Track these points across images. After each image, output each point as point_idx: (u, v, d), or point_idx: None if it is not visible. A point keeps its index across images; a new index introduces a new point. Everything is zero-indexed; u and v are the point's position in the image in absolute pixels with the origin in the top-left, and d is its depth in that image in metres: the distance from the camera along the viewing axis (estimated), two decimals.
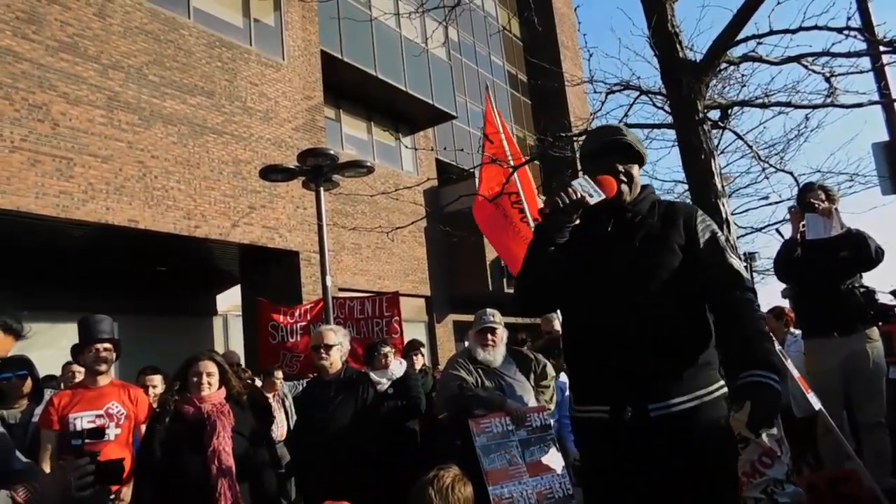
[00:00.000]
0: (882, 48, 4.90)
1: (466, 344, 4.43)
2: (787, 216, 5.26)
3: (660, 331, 2.14)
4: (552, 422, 4.09)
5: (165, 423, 3.38)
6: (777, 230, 7.80)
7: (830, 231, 4.05)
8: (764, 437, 3.28)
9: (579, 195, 2.20)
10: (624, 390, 2.15)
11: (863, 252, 4.04)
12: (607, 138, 2.39)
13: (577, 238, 2.33)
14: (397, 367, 5.08)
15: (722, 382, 2.22)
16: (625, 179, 2.32)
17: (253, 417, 3.67)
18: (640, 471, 2.15)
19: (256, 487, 3.48)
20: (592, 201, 2.21)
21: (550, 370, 4.37)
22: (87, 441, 1.98)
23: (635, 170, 2.36)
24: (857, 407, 4.16)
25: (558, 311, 5.19)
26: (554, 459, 3.79)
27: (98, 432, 2.00)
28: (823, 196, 4.22)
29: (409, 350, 6.18)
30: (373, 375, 4.82)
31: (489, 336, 4.11)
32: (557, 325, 4.95)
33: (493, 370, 4.08)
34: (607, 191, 2.25)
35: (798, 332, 5.97)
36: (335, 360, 3.97)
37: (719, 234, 2.30)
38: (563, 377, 4.82)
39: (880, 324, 4.42)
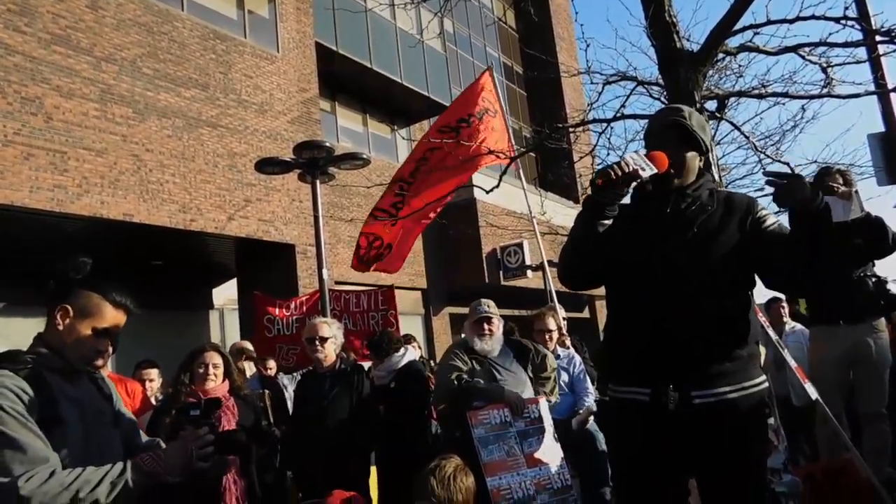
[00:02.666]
0: (878, 38, 4.89)
1: (463, 335, 4.42)
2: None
3: (712, 320, 2.15)
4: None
5: (171, 415, 3.37)
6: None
7: (850, 214, 3.99)
8: None
9: (631, 168, 2.16)
10: (668, 375, 2.15)
11: (880, 238, 3.99)
12: (666, 119, 2.37)
13: (633, 219, 2.31)
14: (398, 357, 5.05)
15: (763, 377, 2.23)
16: (676, 161, 2.28)
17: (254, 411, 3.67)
18: (673, 455, 2.17)
19: (258, 480, 3.49)
20: (645, 175, 2.18)
21: (551, 361, 4.33)
22: (205, 411, 2.04)
23: (690, 155, 2.32)
24: (859, 397, 4.16)
25: (558, 308, 5.22)
26: (552, 450, 3.80)
27: (216, 402, 2.04)
28: (841, 180, 4.17)
29: None
30: (374, 371, 4.80)
31: (485, 326, 4.11)
32: (552, 324, 4.93)
33: (487, 360, 4.07)
34: (658, 166, 2.22)
35: (795, 323, 5.99)
36: (329, 352, 3.97)
37: (782, 222, 2.28)
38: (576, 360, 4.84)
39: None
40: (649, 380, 2.19)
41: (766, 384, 2.25)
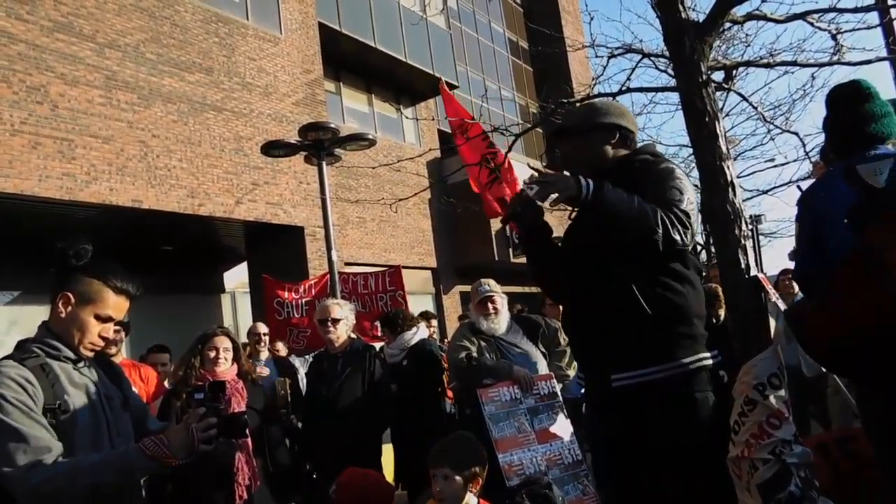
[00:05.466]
0: (891, 1, 4.79)
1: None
2: (795, 176, 5.18)
3: (616, 303, 2.13)
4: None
5: (183, 399, 3.41)
6: (798, 186, 7.69)
7: None
8: (772, 398, 3.29)
9: (525, 195, 2.26)
10: (592, 361, 2.27)
11: None
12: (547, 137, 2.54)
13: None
14: (410, 335, 5.07)
15: (702, 356, 2.16)
16: (567, 164, 2.37)
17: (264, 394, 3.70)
18: (618, 437, 2.22)
19: (271, 462, 3.54)
20: (532, 193, 2.26)
21: (565, 334, 4.32)
22: (210, 394, 2.03)
23: (581, 146, 2.37)
24: None
25: None
26: (562, 426, 3.82)
27: (220, 385, 2.06)
28: None
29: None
30: (386, 349, 4.84)
31: (490, 305, 4.12)
32: None
33: (494, 339, 4.08)
34: None
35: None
36: (341, 333, 4.00)
37: (675, 177, 2.16)
38: None
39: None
40: (584, 367, 2.36)
41: (704, 363, 2.16)
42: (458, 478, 2.46)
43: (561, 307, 2.57)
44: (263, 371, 4.87)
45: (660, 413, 2.10)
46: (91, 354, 1.94)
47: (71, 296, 1.87)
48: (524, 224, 2.39)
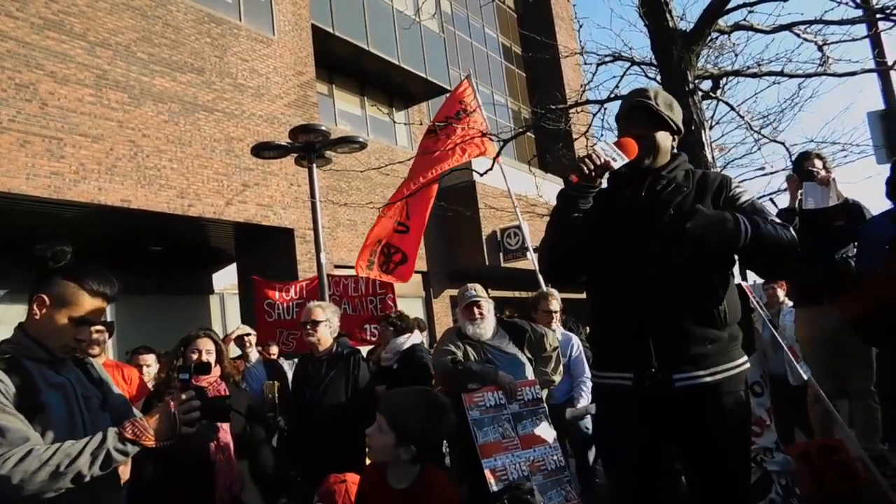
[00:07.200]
0: (877, 15, 4.84)
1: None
2: (784, 185, 5.21)
3: (693, 301, 2.13)
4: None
5: (164, 401, 3.39)
6: (771, 199, 7.75)
7: (829, 201, 3.99)
8: (754, 406, 3.31)
9: (603, 160, 2.17)
10: (650, 360, 2.14)
11: (860, 223, 3.99)
12: (631, 101, 2.36)
13: (607, 205, 2.30)
14: (403, 339, 5.11)
15: (745, 358, 2.24)
16: (644, 143, 2.26)
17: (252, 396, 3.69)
18: (658, 438, 2.18)
19: (255, 464, 3.52)
20: (616, 165, 2.19)
21: (551, 339, 4.31)
22: (194, 376, 1.99)
23: (660, 135, 2.30)
24: (846, 375, 4.18)
25: (553, 291, 5.22)
26: (546, 432, 3.83)
27: (205, 367, 2.00)
28: (820, 164, 4.15)
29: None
30: (382, 353, 4.87)
31: (475, 310, 4.12)
32: (555, 306, 4.91)
33: (480, 344, 4.08)
34: (628, 153, 2.21)
35: (792, 302, 5.99)
36: (323, 335, 3.98)
37: (760, 204, 2.28)
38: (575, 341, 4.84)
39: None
40: (631, 364, 2.18)
41: (747, 365, 2.24)
42: (391, 434, 2.19)
43: (577, 297, 2.50)
44: None
45: (723, 412, 2.13)
46: (67, 356, 1.93)
47: (46, 298, 1.87)
48: (584, 190, 2.23)
